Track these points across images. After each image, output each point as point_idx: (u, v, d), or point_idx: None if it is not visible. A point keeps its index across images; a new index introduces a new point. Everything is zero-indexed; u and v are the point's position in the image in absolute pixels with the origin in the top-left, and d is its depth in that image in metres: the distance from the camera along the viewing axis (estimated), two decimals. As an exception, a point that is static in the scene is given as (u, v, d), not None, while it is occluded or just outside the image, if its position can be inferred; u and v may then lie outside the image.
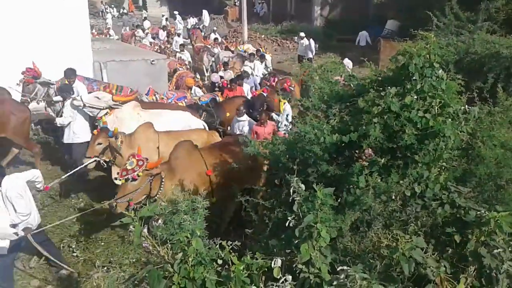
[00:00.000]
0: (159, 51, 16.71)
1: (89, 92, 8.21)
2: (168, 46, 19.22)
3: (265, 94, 10.29)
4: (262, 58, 15.17)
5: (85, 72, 10.03)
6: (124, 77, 9.76)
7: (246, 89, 11.49)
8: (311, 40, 17.19)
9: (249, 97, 10.72)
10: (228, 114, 9.05)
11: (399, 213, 3.57)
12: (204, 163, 5.78)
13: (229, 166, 5.37)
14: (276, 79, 12.01)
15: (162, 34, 22.03)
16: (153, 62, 11.38)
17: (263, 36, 24.04)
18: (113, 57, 11.08)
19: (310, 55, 16.92)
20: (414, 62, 3.73)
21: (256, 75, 13.72)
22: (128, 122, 7.26)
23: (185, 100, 10.00)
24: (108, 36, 22.46)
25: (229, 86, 11.12)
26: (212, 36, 20.50)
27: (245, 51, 16.10)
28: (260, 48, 17.25)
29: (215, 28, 23.57)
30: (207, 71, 16.31)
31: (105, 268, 5.59)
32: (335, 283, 2.69)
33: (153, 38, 20.99)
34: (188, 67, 15.63)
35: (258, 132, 7.78)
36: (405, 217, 3.52)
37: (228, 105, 9.39)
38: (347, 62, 11.91)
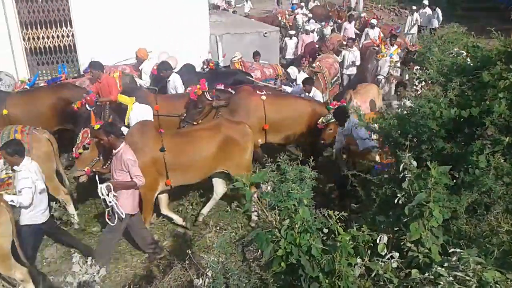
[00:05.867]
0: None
1: None
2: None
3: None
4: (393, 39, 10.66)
5: (202, 45, 10.57)
6: (238, 50, 10.10)
7: None
8: (437, 8, 16.03)
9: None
10: None
11: (523, 198, 3.28)
12: None
13: None
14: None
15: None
16: (265, 35, 11.61)
17: (379, 5, 22.91)
18: (228, 30, 11.49)
19: (436, 25, 15.84)
20: (553, 31, 3.33)
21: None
22: None
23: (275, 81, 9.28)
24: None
25: None
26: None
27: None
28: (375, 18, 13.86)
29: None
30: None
31: (218, 228, 5.98)
32: (446, 264, 2.58)
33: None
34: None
35: None
36: (531, 203, 3.23)
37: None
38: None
